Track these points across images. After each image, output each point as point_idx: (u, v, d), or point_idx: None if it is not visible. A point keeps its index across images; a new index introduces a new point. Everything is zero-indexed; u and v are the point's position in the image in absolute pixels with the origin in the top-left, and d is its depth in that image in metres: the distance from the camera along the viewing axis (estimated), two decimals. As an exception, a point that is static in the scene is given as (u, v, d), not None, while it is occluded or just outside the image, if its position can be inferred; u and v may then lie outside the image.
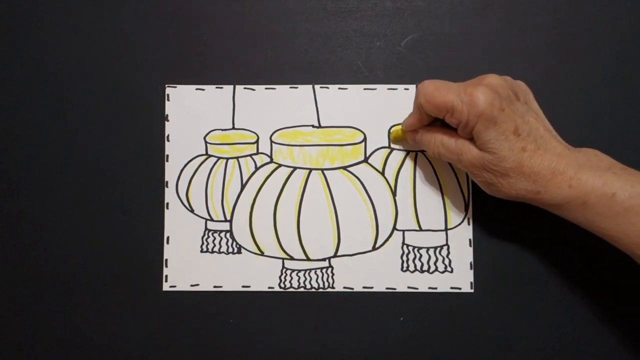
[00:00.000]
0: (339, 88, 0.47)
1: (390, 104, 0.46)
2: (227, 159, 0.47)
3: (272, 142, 0.47)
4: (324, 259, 0.46)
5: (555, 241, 0.45)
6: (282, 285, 0.46)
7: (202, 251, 0.46)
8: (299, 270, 0.46)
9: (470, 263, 0.45)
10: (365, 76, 0.47)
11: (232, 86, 0.47)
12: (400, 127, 0.45)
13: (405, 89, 0.46)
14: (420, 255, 0.46)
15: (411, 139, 0.44)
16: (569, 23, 0.46)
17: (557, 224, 0.45)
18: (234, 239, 0.46)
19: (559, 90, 0.46)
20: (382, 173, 0.46)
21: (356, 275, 0.46)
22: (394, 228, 0.46)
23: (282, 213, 0.46)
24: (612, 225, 0.36)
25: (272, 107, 0.47)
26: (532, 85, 0.43)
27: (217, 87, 0.47)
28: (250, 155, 0.47)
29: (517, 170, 0.38)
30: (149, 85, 0.47)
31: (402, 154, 0.46)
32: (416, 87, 0.41)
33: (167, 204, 0.46)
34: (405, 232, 0.46)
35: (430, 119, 0.42)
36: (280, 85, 0.47)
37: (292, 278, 0.46)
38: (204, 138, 0.47)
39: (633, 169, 0.37)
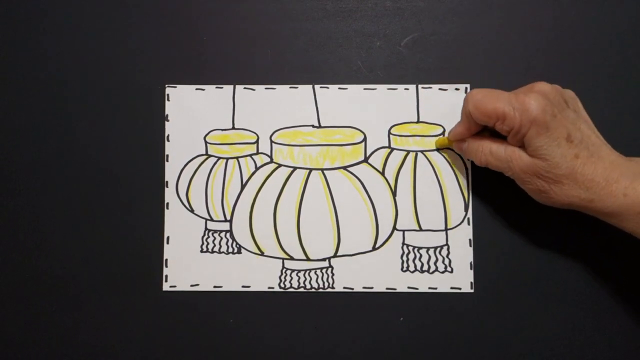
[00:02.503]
0: (339, 88, 0.47)
1: (390, 104, 0.46)
2: (227, 159, 0.47)
3: (272, 142, 0.47)
4: (324, 259, 0.46)
5: (556, 241, 0.45)
6: (282, 285, 0.46)
7: (202, 251, 0.46)
8: (299, 270, 0.46)
9: (470, 263, 0.45)
10: (365, 76, 0.47)
11: (232, 86, 0.47)
12: (444, 137, 0.45)
13: (405, 88, 0.46)
14: (420, 255, 0.46)
15: (458, 149, 0.44)
16: (569, 23, 0.46)
17: (557, 224, 0.45)
18: (234, 239, 0.46)
19: (559, 90, 0.46)
20: (382, 173, 0.46)
21: (356, 275, 0.46)
22: (394, 228, 0.46)
23: (282, 213, 0.46)
24: None
25: (272, 107, 0.47)
26: (532, 85, 0.43)
27: (217, 87, 0.47)
28: (250, 155, 0.47)
29: (570, 177, 0.37)
30: (149, 85, 0.47)
31: (402, 154, 0.46)
32: (465, 97, 0.41)
33: (167, 204, 0.46)
34: (405, 232, 0.46)
35: (478, 128, 0.41)
36: (280, 85, 0.47)
37: (292, 278, 0.46)
38: (204, 138, 0.47)
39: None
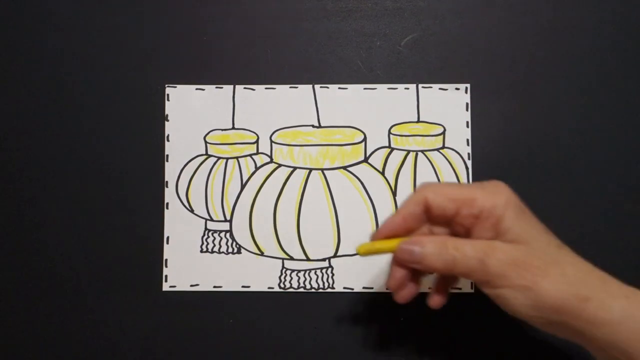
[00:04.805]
0: (339, 88, 0.47)
1: (390, 104, 0.46)
2: (227, 159, 0.47)
3: (272, 142, 0.47)
4: (324, 259, 0.46)
5: (556, 241, 0.45)
6: (282, 286, 0.46)
7: (202, 251, 0.46)
8: (299, 271, 0.46)
9: (471, 263, 0.45)
10: (365, 76, 0.47)
11: (232, 86, 0.47)
12: (367, 243, 0.37)
13: (406, 88, 0.46)
14: (421, 255, 0.46)
15: (404, 255, 0.35)
16: (569, 23, 0.46)
17: (556, 224, 0.45)
18: (233, 239, 0.46)
19: (559, 90, 0.46)
20: (382, 173, 0.46)
21: (356, 275, 0.46)
22: (394, 228, 0.46)
23: (282, 213, 0.46)
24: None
25: (272, 107, 0.47)
26: (532, 86, 0.43)
27: (217, 87, 0.47)
28: (250, 155, 0.47)
29: (558, 267, 0.32)
30: (149, 85, 0.47)
31: (402, 154, 0.46)
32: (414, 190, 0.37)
33: (167, 204, 0.46)
34: (405, 232, 0.46)
35: (416, 222, 0.35)
36: (280, 85, 0.47)
37: (292, 278, 0.46)
38: (204, 138, 0.47)
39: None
